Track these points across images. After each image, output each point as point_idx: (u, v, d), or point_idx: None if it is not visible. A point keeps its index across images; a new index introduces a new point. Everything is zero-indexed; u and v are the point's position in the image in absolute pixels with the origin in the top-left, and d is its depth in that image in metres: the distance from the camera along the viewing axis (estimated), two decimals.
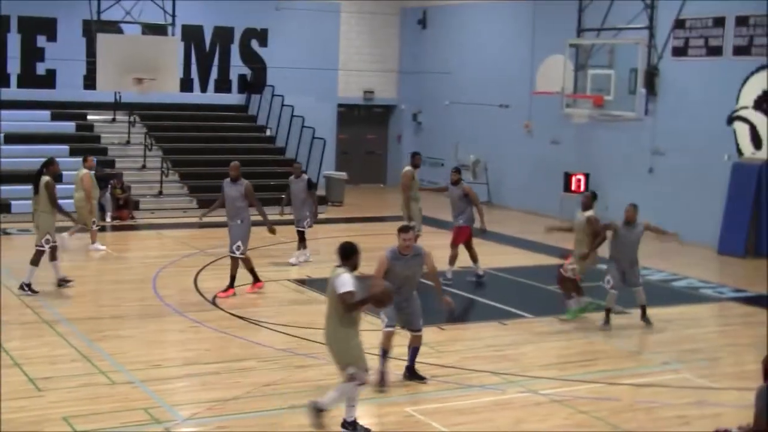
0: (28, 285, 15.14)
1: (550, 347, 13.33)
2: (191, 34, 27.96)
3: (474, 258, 17.33)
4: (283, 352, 12.43)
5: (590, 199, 14.59)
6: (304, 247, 18.49)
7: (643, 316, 14.28)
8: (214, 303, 14.98)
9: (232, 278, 15.50)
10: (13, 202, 22.48)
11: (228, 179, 15.56)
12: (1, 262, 17.03)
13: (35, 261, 15.22)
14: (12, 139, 24.45)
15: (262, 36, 29.28)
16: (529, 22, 26.23)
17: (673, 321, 14.84)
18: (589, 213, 14.38)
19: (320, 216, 24.37)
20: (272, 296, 15.81)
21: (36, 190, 15.14)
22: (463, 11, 29.26)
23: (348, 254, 9.38)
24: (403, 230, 10.92)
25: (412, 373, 11.34)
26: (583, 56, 22.37)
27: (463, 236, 17.19)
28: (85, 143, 25.12)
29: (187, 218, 23.10)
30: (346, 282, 9.15)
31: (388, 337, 10.95)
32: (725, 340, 14.28)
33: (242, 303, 15.10)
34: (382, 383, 10.81)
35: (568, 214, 24.43)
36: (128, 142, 25.70)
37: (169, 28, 23.42)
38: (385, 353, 10.97)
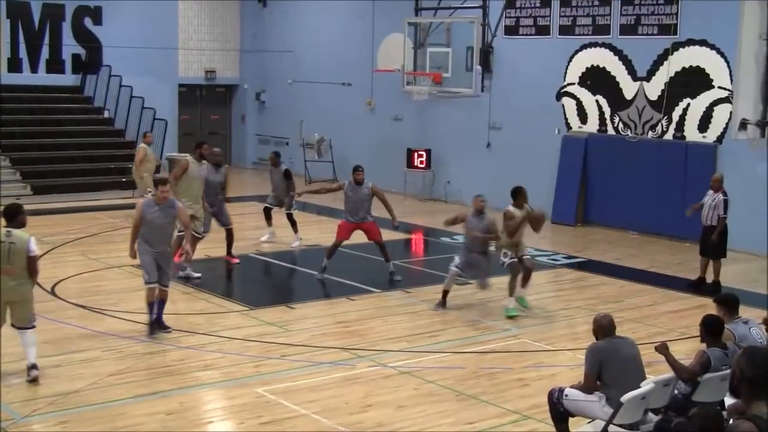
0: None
1: (398, 321, 13.52)
2: (17, 12, 26.74)
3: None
4: (129, 339, 12.18)
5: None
6: (296, 231, 18.26)
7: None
8: (53, 293, 14.46)
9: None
10: None
11: (209, 165, 15.91)
12: None
13: None
14: None
15: (96, 14, 28.26)
16: (368, 1, 26.31)
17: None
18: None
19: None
20: (114, 283, 15.39)
21: None
22: None
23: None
24: (161, 182, 12.59)
25: (159, 324, 12.41)
26: (421, 35, 22.68)
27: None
28: None
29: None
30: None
31: (152, 292, 12.29)
32: (559, 304, 14.85)
33: (82, 292, 14.68)
34: (154, 331, 12.28)
35: (411, 190, 24.80)
36: None
37: None
38: (151, 307, 12.33)
